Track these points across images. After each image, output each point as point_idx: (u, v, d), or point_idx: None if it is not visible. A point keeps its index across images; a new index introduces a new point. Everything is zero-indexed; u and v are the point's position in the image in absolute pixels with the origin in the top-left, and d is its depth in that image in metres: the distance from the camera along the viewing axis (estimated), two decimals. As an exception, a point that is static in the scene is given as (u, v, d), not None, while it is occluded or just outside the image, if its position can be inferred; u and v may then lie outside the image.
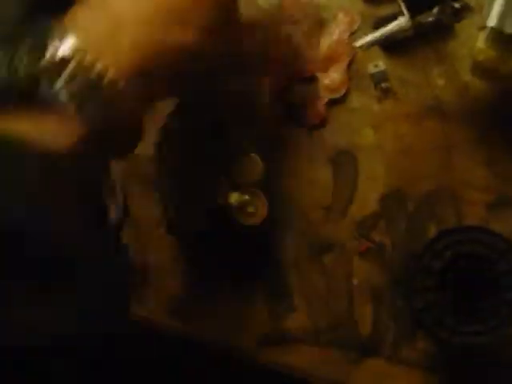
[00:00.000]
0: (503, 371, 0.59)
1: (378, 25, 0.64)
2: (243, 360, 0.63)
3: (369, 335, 0.62)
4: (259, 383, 0.67)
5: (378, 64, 0.65)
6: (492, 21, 0.55)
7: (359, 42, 0.60)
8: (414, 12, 0.60)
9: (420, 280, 0.56)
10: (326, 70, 0.64)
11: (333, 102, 0.64)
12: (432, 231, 0.63)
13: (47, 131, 0.42)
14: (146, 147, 0.63)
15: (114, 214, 0.63)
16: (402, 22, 0.60)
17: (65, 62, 0.42)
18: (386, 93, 0.65)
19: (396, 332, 0.62)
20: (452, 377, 0.61)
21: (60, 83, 0.42)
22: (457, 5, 0.60)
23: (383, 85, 0.65)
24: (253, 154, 0.60)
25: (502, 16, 0.55)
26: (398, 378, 0.62)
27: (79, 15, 0.46)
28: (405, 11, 0.59)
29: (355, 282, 0.63)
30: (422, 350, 0.61)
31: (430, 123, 0.64)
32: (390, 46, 0.64)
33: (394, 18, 0.63)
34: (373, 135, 0.64)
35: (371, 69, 0.65)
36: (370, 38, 0.60)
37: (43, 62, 0.42)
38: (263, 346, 0.63)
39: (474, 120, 0.64)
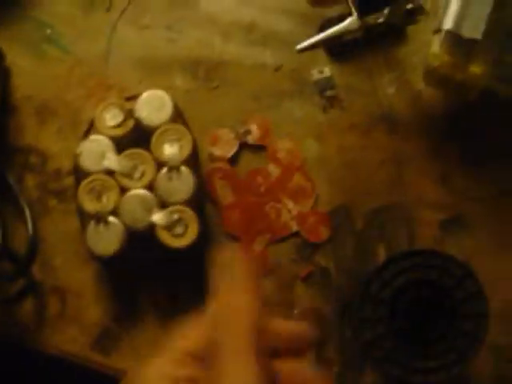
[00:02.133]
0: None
1: (324, 27, 0.58)
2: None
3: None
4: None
5: (324, 70, 0.59)
6: (448, 23, 0.51)
7: (302, 45, 0.54)
8: (362, 12, 0.54)
9: (368, 310, 0.50)
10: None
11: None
12: (381, 253, 0.57)
13: None
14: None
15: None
16: (349, 22, 0.54)
17: None
18: (332, 101, 0.59)
19: (342, 365, 0.56)
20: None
21: None
22: (409, 6, 0.55)
23: (328, 93, 0.59)
24: (183, 168, 0.54)
25: (459, 18, 0.50)
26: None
27: None
28: (353, 11, 0.54)
29: (296, 311, 0.57)
30: (370, 383, 0.55)
31: (379, 135, 0.59)
32: (336, 50, 0.59)
33: (341, 19, 0.57)
34: (317, 147, 0.59)
35: (316, 75, 0.59)
36: (313, 39, 0.54)
37: None
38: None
39: (426, 132, 0.59)
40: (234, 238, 0.58)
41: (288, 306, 0.57)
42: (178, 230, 0.53)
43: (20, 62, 0.62)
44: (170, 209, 0.54)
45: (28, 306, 0.58)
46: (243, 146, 0.59)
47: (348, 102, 0.59)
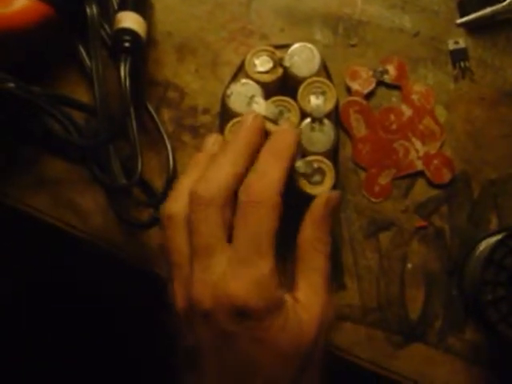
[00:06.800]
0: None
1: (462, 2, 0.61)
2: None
3: (417, 320, 0.60)
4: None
5: (459, 41, 0.62)
6: None
7: (463, 19, 0.56)
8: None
9: (490, 274, 0.54)
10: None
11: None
12: (493, 222, 0.61)
13: None
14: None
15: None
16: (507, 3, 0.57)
17: None
18: (464, 72, 0.62)
19: (445, 320, 0.60)
20: (496, 371, 0.60)
21: None
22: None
23: (462, 64, 0.62)
24: (326, 120, 0.57)
25: None
26: (440, 365, 0.60)
27: None
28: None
29: (409, 265, 0.61)
30: (468, 341, 0.60)
31: (505, 110, 0.62)
32: (474, 24, 0.61)
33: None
34: (445, 114, 0.62)
35: (451, 45, 0.62)
36: (475, 15, 0.57)
37: None
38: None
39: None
40: (362, 169, 0.62)
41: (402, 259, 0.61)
42: (317, 178, 0.56)
43: (163, -2, 0.64)
44: (310, 158, 0.57)
45: (154, 233, 0.61)
46: (379, 84, 0.62)
47: (479, 75, 0.62)
